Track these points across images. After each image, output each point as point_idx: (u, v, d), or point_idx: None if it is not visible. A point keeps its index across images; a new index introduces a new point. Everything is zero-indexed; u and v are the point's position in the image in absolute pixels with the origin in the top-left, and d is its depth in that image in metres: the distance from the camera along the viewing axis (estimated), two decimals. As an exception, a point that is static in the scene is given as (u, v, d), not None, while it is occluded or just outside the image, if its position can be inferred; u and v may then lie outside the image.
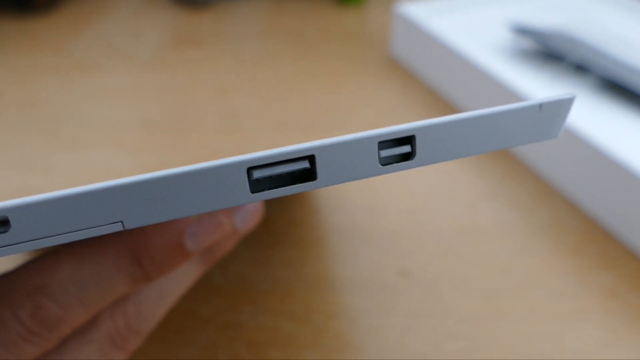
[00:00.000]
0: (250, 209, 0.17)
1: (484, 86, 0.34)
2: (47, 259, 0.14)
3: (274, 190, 0.10)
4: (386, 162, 0.11)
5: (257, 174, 0.10)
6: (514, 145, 0.11)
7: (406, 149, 0.10)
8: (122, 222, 0.09)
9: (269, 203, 0.27)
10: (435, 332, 0.22)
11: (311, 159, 0.10)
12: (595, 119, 0.31)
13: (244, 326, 0.23)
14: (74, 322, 0.14)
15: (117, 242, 0.14)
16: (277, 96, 0.38)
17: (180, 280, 0.17)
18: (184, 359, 0.21)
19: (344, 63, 0.42)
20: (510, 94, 0.31)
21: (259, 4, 0.52)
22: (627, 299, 0.24)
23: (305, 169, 0.10)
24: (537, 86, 0.34)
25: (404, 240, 0.27)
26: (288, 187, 0.10)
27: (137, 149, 0.33)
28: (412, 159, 0.11)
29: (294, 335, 0.22)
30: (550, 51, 0.37)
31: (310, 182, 0.10)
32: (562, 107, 0.11)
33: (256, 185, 0.10)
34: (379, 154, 0.10)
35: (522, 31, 0.37)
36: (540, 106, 0.11)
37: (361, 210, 0.28)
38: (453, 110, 0.36)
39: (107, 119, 0.35)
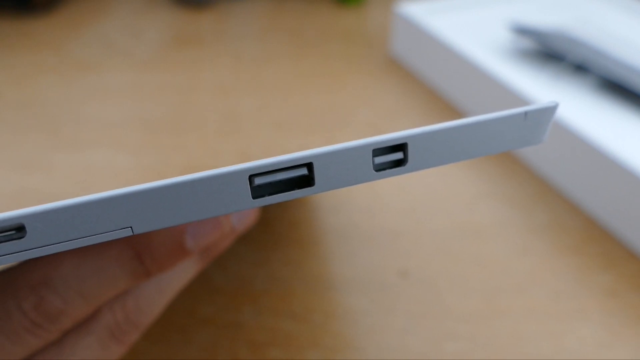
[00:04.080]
0: None
1: (483, 86, 0.34)
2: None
3: (274, 195, 0.11)
4: (380, 168, 0.11)
5: (258, 181, 0.10)
6: (500, 151, 0.12)
7: (399, 155, 0.11)
8: (131, 227, 0.10)
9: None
10: (435, 332, 0.22)
11: (309, 166, 0.11)
12: (595, 119, 0.31)
13: (244, 326, 0.23)
14: (75, 315, 0.14)
15: (119, 239, 0.14)
16: (277, 96, 0.38)
17: (178, 276, 0.17)
18: (184, 359, 0.21)
19: (344, 63, 0.42)
20: (510, 94, 0.31)
21: (259, 4, 0.52)
22: (626, 299, 0.24)
23: (303, 176, 0.11)
24: (537, 86, 0.34)
25: (403, 240, 0.27)
26: (287, 192, 0.11)
27: (137, 149, 0.33)
28: (404, 165, 0.11)
29: (294, 335, 0.22)
30: (550, 51, 0.37)
31: (309, 188, 0.11)
32: (545, 114, 0.12)
33: (257, 191, 0.11)
34: (373, 161, 0.11)
35: (522, 31, 0.37)
36: (525, 114, 0.11)
37: (360, 210, 0.28)
38: (452, 110, 0.36)
39: (107, 119, 0.35)
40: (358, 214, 0.28)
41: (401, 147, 0.11)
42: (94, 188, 0.30)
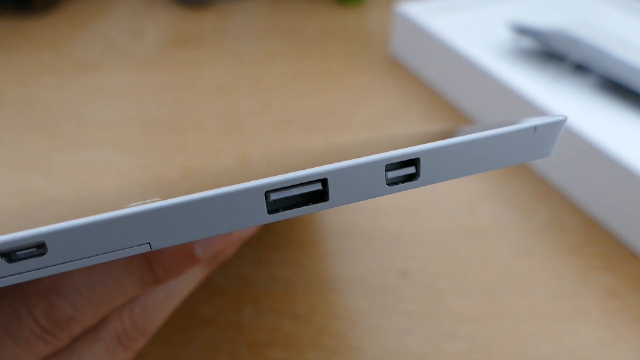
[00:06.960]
0: None
1: (484, 86, 0.34)
2: None
3: (289, 211, 0.11)
4: (392, 182, 0.11)
5: (274, 197, 0.11)
6: (510, 164, 0.12)
7: (411, 170, 0.11)
8: (149, 243, 0.10)
9: None
10: (436, 333, 0.22)
11: (324, 181, 0.11)
12: (595, 118, 0.31)
13: (245, 326, 0.23)
14: (85, 322, 0.14)
15: None
16: (277, 96, 0.38)
17: (185, 282, 0.17)
18: (185, 359, 0.21)
19: (344, 63, 0.42)
20: (510, 94, 0.31)
21: (259, 4, 0.52)
22: (627, 299, 0.24)
23: (318, 191, 0.11)
24: (537, 86, 0.34)
25: (405, 241, 0.27)
26: (302, 207, 0.11)
27: (137, 149, 0.33)
28: (416, 179, 0.11)
29: (295, 335, 0.22)
30: (550, 51, 0.37)
31: (323, 203, 0.11)
32: (555, 128, 0.12)
33: (272, 206, 0.11)
34: (386, 176, 0.11)
35: (522, 31, 0.37)
36: (535, 128, 0.12)
37: (362, 211, 0.28)
38: (452, 110, 0.36)
39: (107, 119, 0.35)
40: (359, 215, 0.28)
41: (413, 162, 0.11)
42: (94, 188, 0.30)
